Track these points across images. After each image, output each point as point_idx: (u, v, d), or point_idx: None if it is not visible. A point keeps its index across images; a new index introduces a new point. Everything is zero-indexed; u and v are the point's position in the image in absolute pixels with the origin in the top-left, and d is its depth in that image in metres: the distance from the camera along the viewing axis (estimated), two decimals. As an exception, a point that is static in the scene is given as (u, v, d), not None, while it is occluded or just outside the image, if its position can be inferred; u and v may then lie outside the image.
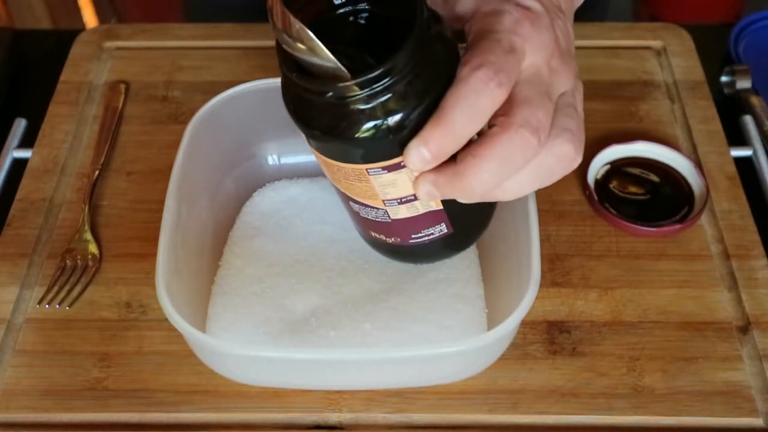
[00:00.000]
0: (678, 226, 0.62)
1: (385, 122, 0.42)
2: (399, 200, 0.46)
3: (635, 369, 0.56)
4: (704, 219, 0.64)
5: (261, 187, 0.65)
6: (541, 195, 0.64)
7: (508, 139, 0.41)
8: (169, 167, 0.57)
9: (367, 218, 0.50)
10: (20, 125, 0.72)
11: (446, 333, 0.55)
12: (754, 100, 0.73)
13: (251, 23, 0.79)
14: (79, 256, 0.62)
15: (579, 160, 0.45)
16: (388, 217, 0.48)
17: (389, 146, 0.43)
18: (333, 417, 0.54)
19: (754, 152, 0.69)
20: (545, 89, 0.43)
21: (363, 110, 0.42)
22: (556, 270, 0.61)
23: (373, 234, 0.52)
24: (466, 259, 0.59)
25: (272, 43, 0.76)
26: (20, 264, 0.62)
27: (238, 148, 0.64)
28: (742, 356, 0.57)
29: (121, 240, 0.63)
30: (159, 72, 0.75)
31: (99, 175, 0.67)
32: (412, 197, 0.46)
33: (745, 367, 0.56)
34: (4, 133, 0.72)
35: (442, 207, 0.47)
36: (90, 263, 0.61)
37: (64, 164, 0.68)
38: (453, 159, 0.43)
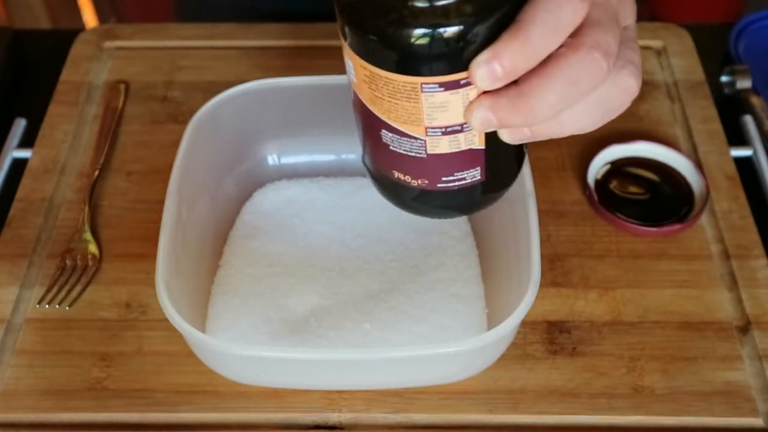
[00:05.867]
0: (678, 226, 0.62)
1: (453, 28, 0.39)
2: (444, 129, 0.44)
3: (635, 369, 0.56)
4: (704, 219, 0.64)
5: (261, 187, 0.65)
6: (541, 195, 0.64)
7: (578, 60, 0.39)
8: (169, 167, 0.57)
9: (397, 152, 0.46)
10: (20, 125, 0.72)
11: (446, 333, 0.55)
12: (754, 100, 0.72)
13: (251, 23, 0.79)
14: (79, 256, 0.62)
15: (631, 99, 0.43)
16: (425, 151, 0.45)
17: (453, 58, 0.40)
18: (333, 417, 0.54)
19: (754, 152, 0.69)
20: (614, 15, 0.42)
21: (430, 10, 0.39)
22: (556, 270, 0.61)
23: (396, 175, 0.48)
24: (466, 259, 0.59)
25: (272, 43, 0.77)
26: (20, 264, 0.62)
27: (238, 148, 0.64)
28: (742, 356, 0.57)
29: (121, 240, 0.63)
30: (159, 72, 0.75)
31: (99, 175, 0.67)
32: (459, 128, 0.43)
33: (745, 367, 0.56)
34: (4, 133, 0.72)
35: (483, 147, 0.45)
36: (90, 263, 0.61)
37: (64, 164, 0.68)
38: (513, 84, 0.41)
